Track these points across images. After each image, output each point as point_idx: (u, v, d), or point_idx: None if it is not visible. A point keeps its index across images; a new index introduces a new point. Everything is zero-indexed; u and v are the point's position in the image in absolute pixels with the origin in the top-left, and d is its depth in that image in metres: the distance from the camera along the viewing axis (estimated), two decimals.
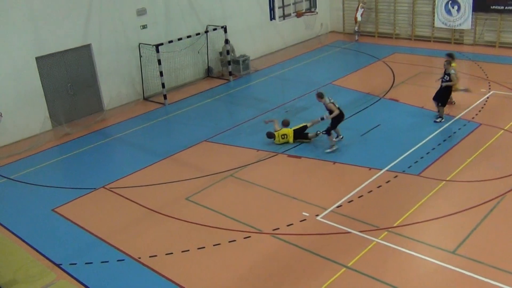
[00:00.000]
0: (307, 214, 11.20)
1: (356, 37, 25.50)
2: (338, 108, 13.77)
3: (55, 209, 12.36)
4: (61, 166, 14.85)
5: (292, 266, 9.70)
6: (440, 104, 15.17)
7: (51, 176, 14.10)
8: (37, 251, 10.78)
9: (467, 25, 22.65)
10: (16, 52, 15.81)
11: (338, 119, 13.82)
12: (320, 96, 13.87)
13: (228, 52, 20.69)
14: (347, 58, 23.30)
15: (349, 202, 11.58)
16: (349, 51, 24.09)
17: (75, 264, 10.25)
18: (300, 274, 9.46)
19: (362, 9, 24.94)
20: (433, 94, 15.40)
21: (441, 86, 15.02)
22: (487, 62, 20.42)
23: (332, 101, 13.80)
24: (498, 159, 12.84)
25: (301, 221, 11.00)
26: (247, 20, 22.81)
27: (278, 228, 10.81)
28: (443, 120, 15.10)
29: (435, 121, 15.15)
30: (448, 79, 14.81)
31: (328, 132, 13.91)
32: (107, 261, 10.27)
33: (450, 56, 15.34)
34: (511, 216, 10.60)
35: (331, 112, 13.68)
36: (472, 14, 22.35)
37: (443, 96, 15.09)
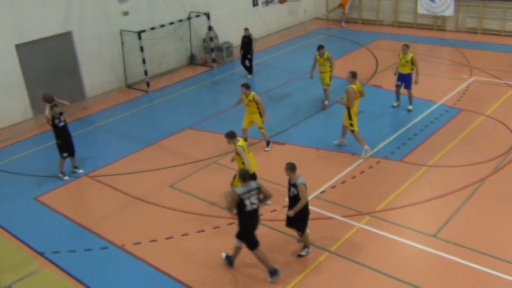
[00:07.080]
0: None
1: (343, 24, 25.48)
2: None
3: (37, 197, 12.25)
4: (43, 155, 14.67)
5: (279, 250, 9.74)
6: (300, 233, 9.62)
7: (33, 165, 13.93)
8: (19, 240, 10.67)
9: (449, 11, 22.78)
10: None
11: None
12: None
13: (211, 39, 20.54)
14: (331, 44, 23.18)
15: (332, 187, 11.65)
16: (332, 37, 24.08)
17: (58, 252, 10.20)
18: (287, 258, 9.51)
19: None
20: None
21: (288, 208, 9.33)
22: (469, 49, 20.57)
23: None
24: (479, 145, 12.99)
25: (284, 207, 11.03)
26: (231, 6, 22.66)
27: (262, 214, 10.82)
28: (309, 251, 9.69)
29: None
30: (296, 192, 9.00)
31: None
32: (91, 249, 10.23)
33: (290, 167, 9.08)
34: (491, 200, 10.78)
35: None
36: (454, 1, 22.47)
37: (299, 220, 9.32)
